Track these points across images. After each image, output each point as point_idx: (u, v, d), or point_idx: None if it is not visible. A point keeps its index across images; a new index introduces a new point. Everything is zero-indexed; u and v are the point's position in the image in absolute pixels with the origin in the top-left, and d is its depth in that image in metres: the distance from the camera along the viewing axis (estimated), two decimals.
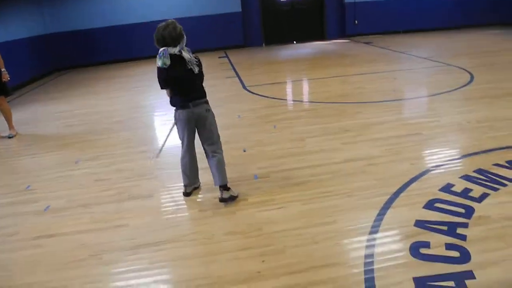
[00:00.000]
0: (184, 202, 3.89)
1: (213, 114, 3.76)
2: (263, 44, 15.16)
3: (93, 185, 4.41)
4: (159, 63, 3.49)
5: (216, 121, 3.80)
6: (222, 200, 3.72)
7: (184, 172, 3.93)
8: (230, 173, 3.93)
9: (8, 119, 6.60)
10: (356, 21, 15.16)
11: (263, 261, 2.85)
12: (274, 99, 7.35)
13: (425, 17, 15.28)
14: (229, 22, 14.22)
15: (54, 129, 6.84)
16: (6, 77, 6.36)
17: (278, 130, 5.64)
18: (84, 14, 13.66)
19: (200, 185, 4.08)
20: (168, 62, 3.47)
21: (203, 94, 3.68)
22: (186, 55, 3.50)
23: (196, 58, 3.56)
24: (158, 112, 7.51)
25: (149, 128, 6.58)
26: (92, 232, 3.47)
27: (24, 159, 5.58)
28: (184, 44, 3.52)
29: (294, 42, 15.30)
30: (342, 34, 15.33)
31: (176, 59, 3.49)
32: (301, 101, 7.49)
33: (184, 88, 3.61)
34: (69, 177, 4.70)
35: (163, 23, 3.52)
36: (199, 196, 3.98)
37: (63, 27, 13.61)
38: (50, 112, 8.05)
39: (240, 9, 14.46)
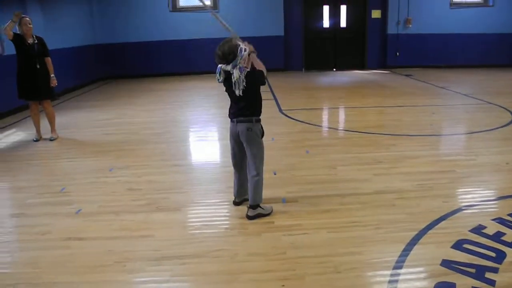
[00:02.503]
0: (211, 218, 3.93)
1: (257, 134, 3.75)
2: (303, 69, 15.26)
3: (124, 194, 4.52)
4: (216, 77, 3.67)
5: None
6: (246, 217, 3.82)
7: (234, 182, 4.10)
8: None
9: (52, 123, 6.87)
10: (398, 53, 15.10)
11: (283, 285, 2.84)
12: (309, 124, 7.37)
13: (468, 53, 15.07)
14: (271, 45, 14.41)
15: (92, 136, 7.07)
16: (54, 82, 6.66)
17: (311, 155, 5.65)
18: (130, 28, 14.17)
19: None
20: (219, 78, 3.64)
21: (248, 113, 3.71)
22: (236, 75, 3.54)
23: (245, 78, 3.56)
24: (194, 127, 7.65)
25: (183, 142, 6.70)
26: (119, 239, 3.55)
27: (62, 162, 5.78)
28: (238, 61, 3.53)
29: (334, 69, 15.34)
30: (382, 65, 15.28)
31: (229, 75, 3.60)
32: (336, 129, 7.48)
33: (233, 103, 3.77)
34: (102, 184, 4.84)
35: (224, 40, 3.63)
36: (227, 214, 4.02)
37: (110, 38, 14.16)
38: (91, 119, 8.33)
39: (282, 33, 14.65)
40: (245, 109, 3.71)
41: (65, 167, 5.58)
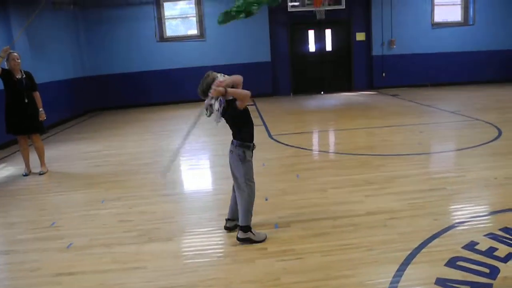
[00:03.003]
0: (203, 247, 3.90)
1: (236, 158, 3.80)
2: (291, 94, 15.41)
3: (116, 225, 4.48)
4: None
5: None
6: (237, 239, 3.86)
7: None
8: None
9: (41, 156, 6.84)
10: (384, 74, 15.33)
11: None
12: (299, 148, 7.41)
13: (451, 71, 15.39)
14: (259, 71, 14.57)
15: (82, 168, 7.03)
16: (43, 116, 6.66)
17: (302, 179, 5.66)
18: (118, 59, 14.30)
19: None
20: (207, 113, 3.78)
21: (234, 136, 3.86)
22: (216, 106, 3.70)
23: (224, 108, 3.70)
24: (184, 156, 7.65)
25: (173, 171, 6.68)
26: (111, 272, 3.51)
27: (52, 196, 5.73)
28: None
29: (322, 92, 15.51)
30: (369, 86, 15.49)
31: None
32: (326, 152, 7.52)
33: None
34: (93, 216, 4.80)
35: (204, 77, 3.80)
36: (220, 242, 4.00)
37: (98, 70, 14.26)
38: (80, 152, 8.30)
39: (269, 59, 14.84)
40: (233, 133, 3.88)
41: (55, 201, 5.53)
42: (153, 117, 12.32)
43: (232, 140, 3.87)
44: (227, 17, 4.85)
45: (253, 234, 3.86)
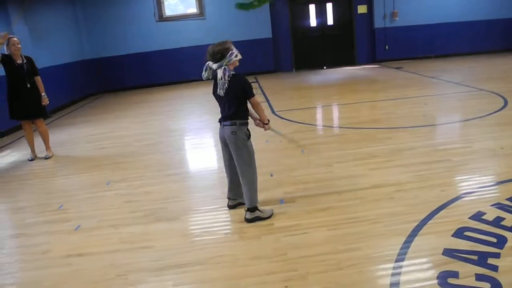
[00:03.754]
0: (210, 225, 3.92)
1: (243, 138, 3.73)
2: (294, 70, 15.28)
3: (122, 206, 4.51)
4: (203, 75, 3.71)
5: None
6: (245, 219, 3.84)
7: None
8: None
9: (46, 141, 6.85)
10: (387, 46, 15.14)
11: (286, 286, 2.84)
12: (303, 124, 7.38)
13: (456, 41, 15.15)
14: (260, 48, 14.43)
15: (87, 151, 7.05)
16: (45, 101, 6.64)
17: (306, 155, 5.65)
18: (118, 41, 14.18)
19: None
20: (206, 75, 3.69)
21: (231, 116, 3.69)
22: (219, 74, 3.62)
23: (229, 79, 3.62)
24: (188, 136, 7.65)
25: (178, 151, 6.69)
26: (119, 252, 3.54)
27: (59, 180, 5.76)
28: (224, 63, 3.61)
29: (324, 67, 15.37)
30: (372, 60, 15.33)
31: (217, 76, 3.65)
32: (330, 127, 7.49)
33: (221, 107, 3.80)
34: (100, 198, 4.82)
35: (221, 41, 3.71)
36: (226, 219, 4.01)
37: (99, 53, 14.17)
38: (85, 135, 8.30)
39: (271, 35, 14.67)
40: (230, 112, 3.70)
41: (62, 184, 5.56)
42: (155, 98, 12.28)
43: (230, 121, 3.70)
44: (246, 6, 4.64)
45: (260, 211, 3.86)
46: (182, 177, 5.40)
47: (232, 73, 3.64)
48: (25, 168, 6.39)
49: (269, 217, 3.86)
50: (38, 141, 6.92)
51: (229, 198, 4.13)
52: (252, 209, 3.83)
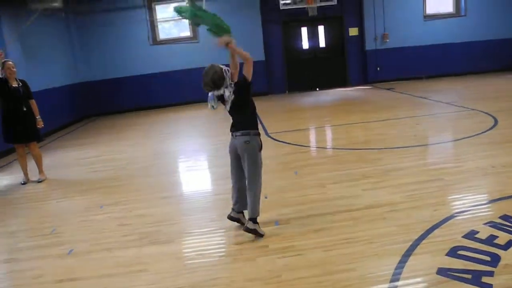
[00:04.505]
0: (204, 247, 3.90)
1: (255, 148, 3.84)
2: (286, 91, 15.41)
3: (115, 230, 4.48)
4: (208, 106, 3.85)
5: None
6: (245, 229, 3.88)
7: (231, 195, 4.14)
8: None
9: (39, 164, 6.83)
10: (378, 68, 15.34)
11: None
12: (296, 145, 7.42)
13: (447, 62, 15.39)
14: (254, 70, 14.48)
15: (80, 174, 7.02)
16: (40, 124, 6.65)
17: (300, 176, 5.66)
18: (113, 64, 14.26)
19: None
20: (215, 105, 3.85)
21: (244, 126, 3.84)
22: (227, 93, 3.80)
23: (233, 92, 3.80)
24: (182, 158, 7.65)
25: (171, 174, 6.68)
26: (113, 276, 3.51)
27: (51, 203, 5.72)
28: (228, 82, 3.79)
29: (317, 89, 15.50)
30: (364, 81, 15.50)
31: (223, 97, 3.83)
32: (323, 148, 7.53)
33: (233, 119, 3.94)
34: (93, 222, 4.79)
35: (206, 69, 3.82)
36: (221, 241, 4.00)
37: (93, 76, 14.23)
38: (78, 158, 8.28)
39: (263, 58, 14.83)
40: (240, 123, 3.86)
41: (55, 208, 5.52)
42: (149, 121, 12.31)
43: (243, 131, 3.82)
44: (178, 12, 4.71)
45: (259, 226, 3.92)
46: (176, 199, 5.39)
47: (232, 88, 3.82)
48: (18, 192, 6.35)
49: (262, 236, 3.89)
50: (31, 165, 6.90)
51: (233, 209, 4.11)
52: (254, 219, 3.88)
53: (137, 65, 14.34)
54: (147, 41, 14.37)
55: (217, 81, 3.74)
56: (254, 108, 3.94)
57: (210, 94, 3.80)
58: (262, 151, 4.03)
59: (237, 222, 4.11)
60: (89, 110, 14.23)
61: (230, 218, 4.11)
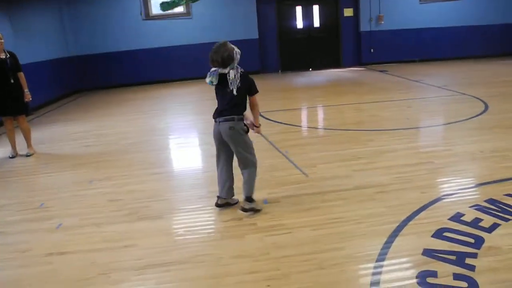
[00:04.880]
0: (193, 224, 3.92)
1: (241, 132, 3.83)
2: (280, 71, 15.34)
3: (105, 205, 4.48)
4: (207, 80, 3.80)
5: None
6: (242, 209, 3.93)
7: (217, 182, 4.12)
8: (239, 197, 4.07)
9: (27, 138, 6.77)
10: (372, 50, 15.29)
11: (268, 285, 2.86)
12: (288, 125, 7.42)
13: (440, 46, 15.39)
14: (247, 48, 14.41)
15: (70, 149, 6.98)
16: (28, 97, 6.56)
17: (290, 155, 5.64)
18: (103, 38, 14.05)
19: (238, 203, 4.14)
20: (215, 81, 3.78)
21: (234, 111, 3.80)
22: (231, 74, 3.76)
23: (240, 77, 3.78)
24: (172, 135, 7.63)
25: (162, 150, 6.66)
26: (102, 251, 3.52)
27: (40, 177, 5.70)
28: (235, 64, 3.78)
29: (310, 69, 15.45)
30: (357, 62, 15.46)
31: (224, 77, 3.78)
32: (315, 128, 7.54)
33: (221, 103, 3.86)
34: (82, 197, 4.79)
35: (216, 44, 3.80)
36: (210, 218, 4.02)
37: (84, 50, 14.02)
38: (68, 133, 8.22)
39: (257, 36, 14.70)
40: (231, 109, 3.80)
41: (44, 182, 5.50)
42: (141, 96, 12.21)
43: (227, 117, 3.78)
44: (169, 5, 4.61)
45: (257, 204, 3.98)
46: (166, 176, 5.39)
47: (241, 72, 3.79)
48: (6, 166, 6.31)
49: (260, 210, 3.97)
50: (20, 139, 6.83)
51: (219, 197, 4.11)
52: (250, 198, 3.93)
53: (129, 40, 14.16)
54: (139, 16, 14.14)
55: (226, 60, 3.72)
56: (247, 99, 3.93)
57: (213, 69, 3.77)
58: (252, 130, 4.02)
59: (227, 205, 4.12)
60: (80, 84, 14.06)
61: (218, 205, 4.11)
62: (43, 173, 5.87)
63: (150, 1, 14.39)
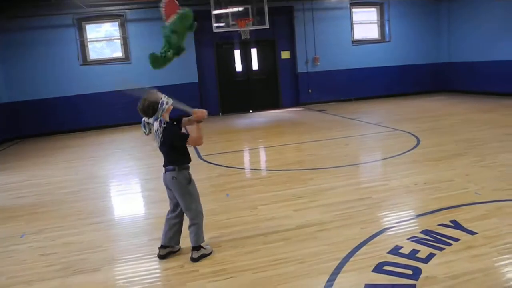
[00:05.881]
0: (133, 274, 3.77)
1: (182, 182, 3.82)
2: (220, 113, 15.46)
3: (37, 260, 4.21)
4: (141, 130, 3.83)
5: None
6: (191, 259, 3.86)
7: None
8: (180, 243, 4.02)
9: None
10: (310, 90, 15.82)
11: None
12: (229, 167, 7.42)
13: (373, 85, 16.22)
14: (187, 92, 14.51)
15: (0, 201, 6.58)
16: None
17: (231, 198, 5.66)
18: (39, 84, 13.57)
19: (180, 250, 4.07)
20: (143, 130, 3.79)
21: (170, 161, 3.83)
22: (155, 126, 3.75)
23: (163, 131, 3.73)
24: (112, 182, 7.41)
25: (101, 198, 6.43)
26: None
27: None
28: (159, 115, 3.72)
29: (251, 111, 15.69)
30: (296, 103, 15.90)
31: (154, 128, 3.78)
32: (256, 169, 7.59)
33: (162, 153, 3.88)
34: (12, 253, 4.48)
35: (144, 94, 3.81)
36: (150, 267, 3.88)
37: (17, 96, 13.46)
38: None
39: (197, 80, 14.83)
40: (169, 158, 3.85)
41: None
42: (80, 143, 11.82)
43: (170, 166, 3.81)
44: (159, 61, 4.64)
45: (205, 249, 3.93)
46: (105, 225, 5.17)
47: (164, 125, 3.74)
48: None
49: (210, 253, 3.94)
50: None
51: (161, 247, 4.00)
52: (198, 247, 3.87)
53: (66, 85, 13.77)
54: (76, 61, 13.89)
55: (146, 109, 3.72)
56: (183, 146, 3.89)
57: (143, 119, 3.78)
58: (195, 174, 3.99)
59: (169, 254, 4.02)
60: (13, 132, 13.41)
61: (160, 257, 3.98)
62: None
63: (87, 45, 14.23)
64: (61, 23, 13.62)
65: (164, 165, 3.89)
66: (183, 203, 3.88)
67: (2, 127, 13.00)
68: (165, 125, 3.74)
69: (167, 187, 3.94)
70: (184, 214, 3.96)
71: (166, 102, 3.75)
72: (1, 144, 12.75)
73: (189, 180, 3.88)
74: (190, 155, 3.96)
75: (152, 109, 3.70)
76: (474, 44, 15.09)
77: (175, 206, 3.98)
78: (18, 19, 13.05)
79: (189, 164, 3.92)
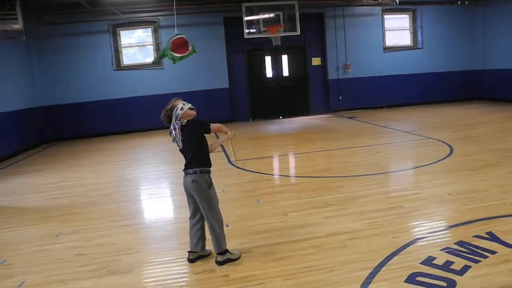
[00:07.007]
0: (164, 277, 3.82)
1: (202, 186, 3.85)
2: (250, 119, 15.52)
3: (72, 260, 4.33)
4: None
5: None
6: (216, 263, 3.91)
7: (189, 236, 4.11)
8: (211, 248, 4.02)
9: None
10: (340, 97, 15.72)
11: None
12: (259, 173, 7.44)
13: (405, 92, 16.01)
14: (218, 98, 14.66)
15: (36, 202, 6.78)
16: None
17: (262, 204, 5.66)
18: (74, 89, 13.98)
19: (210, 254, 4.12)
20: (170, 137, 3.95)
21: (194, 165, 3.88)
22: (173, 132, 3.90)
23: (180, 130, 3.88)
24: (143, 186, 7.53)
25: (133, 201, 6.55)
26: None
27: (3, 233, 5.46)
28: (174, 120, 3.88)
29: (280, 117, 15.69)
30: (326, 109, 15.81)
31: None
32: (286, 176, 7.58)
33: (185, 156, 3.98)
34: (48, 252, 4.61)
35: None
36: (181, 271, 3.92)
37: (54, 100, 13.87)
38: (35, 184, 8.01)
39: (228, 86, 14.95)
40: (191, 161, 3.90)
41: (6, 237, 5.28)
42: (112, 147, 12.08)
43: (191, 170, 3.87)
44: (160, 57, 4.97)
45: (231, 253, 3.95)
46: (137, 228, 5.27)
47: (183, 124, 3.88)
48: None
49: (238, 259, 3.95)
50: None
51: (189, 252, 4.07)
52: (222, 252, 3.91)
53: (100, 90, 14.14)
54: (111, 66, 14.23)
55: (164, 117, 3.97)
56: (205, 147, 3.99)
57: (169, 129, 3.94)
58: (224, 179, 4.03)
59: (199, 258, 4.07)
60: (49, 135, 13.81)
61: (190, 260, 4.04)
62: (5, 227, 5.63)
63: (121, 51, 14.55)
64: (97, 29, 14.00)
65: (185, 169, 3.94)
66: (203, 207, 3.90)
67: (40, 129, 13.41)
68: (184, 123, 3.87)
69: (187, 192, 3.98)
70: (206, 220, 3.98)
71: (181, 108, 3.87)
72: (38, 146, 13.14)
73: (210, 184, 3.92)
74: (219, 161, 4.01)
75: (168, 116, 3.91)
76: (510, 51, 14.69)
77: (194, 210, 4.02)
78: (56, 26, 13.51)
79: (210, 168, 3.97)
